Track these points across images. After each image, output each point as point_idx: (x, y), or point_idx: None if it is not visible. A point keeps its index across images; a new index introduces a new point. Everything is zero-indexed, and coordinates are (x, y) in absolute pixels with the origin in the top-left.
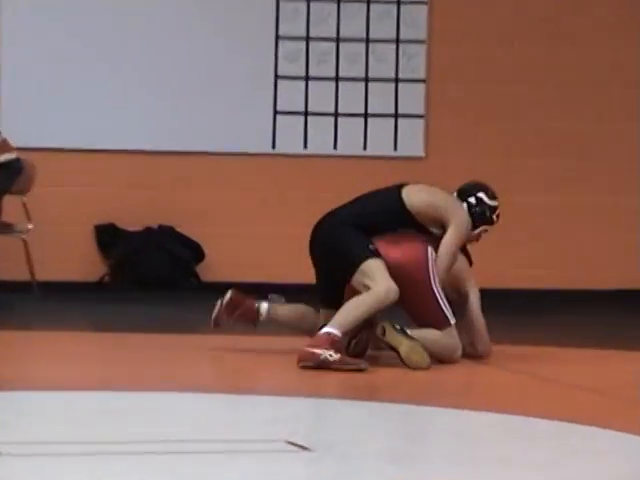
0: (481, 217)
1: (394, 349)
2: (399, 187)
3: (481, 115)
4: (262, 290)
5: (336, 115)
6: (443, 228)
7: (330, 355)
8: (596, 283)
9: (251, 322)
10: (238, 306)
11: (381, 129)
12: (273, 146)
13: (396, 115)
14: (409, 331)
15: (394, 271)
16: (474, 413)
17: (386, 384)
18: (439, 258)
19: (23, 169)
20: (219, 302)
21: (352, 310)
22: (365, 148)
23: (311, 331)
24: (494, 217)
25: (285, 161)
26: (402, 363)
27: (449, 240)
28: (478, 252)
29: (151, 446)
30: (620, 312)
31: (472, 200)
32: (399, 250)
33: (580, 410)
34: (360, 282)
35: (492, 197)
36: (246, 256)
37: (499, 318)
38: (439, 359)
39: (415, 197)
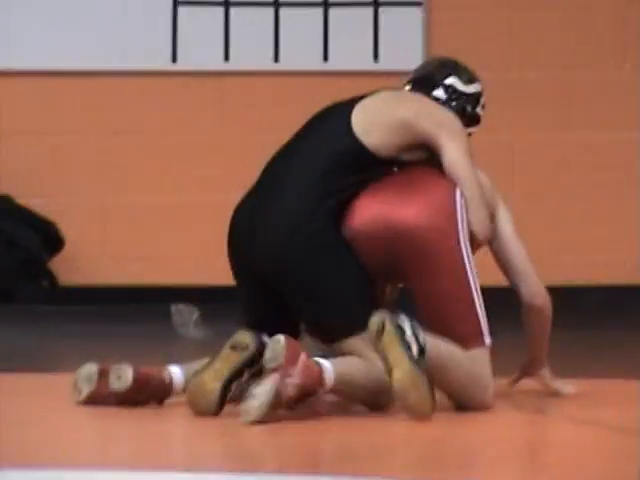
0: (467, 114)
1: (385, 363)
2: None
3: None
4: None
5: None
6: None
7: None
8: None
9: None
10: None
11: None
12: (174, 60)
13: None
14: (422, 341)
15: (401, 240)
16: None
17: (367, 451)
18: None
19: None
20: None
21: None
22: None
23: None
24: (479, 110)
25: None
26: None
27: (456, 157)
28: None
29: None
30: None
31: (439, 93)
32: (412, 205)
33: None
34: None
35: (469, 80)
36: (134, 246)
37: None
38: (459, 398)
39: (372, 133)
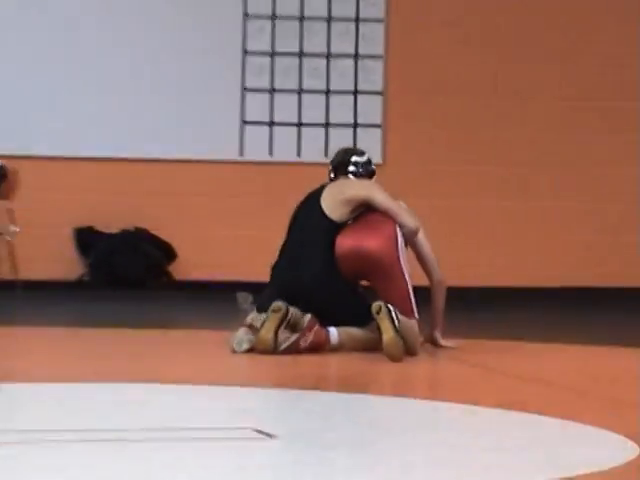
0: (370, 173)
1: (379, 329)
2: (318, 207)
3: (435, 124)
4: (229, 288)
5: (299, 125)
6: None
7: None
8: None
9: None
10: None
11: (341, 138)
12: (241, 154)
13: (355, 125)
14: (396, 322)
15: (368, 260)
16: (432, 403)
17: (351, 376)
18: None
19: (7, 175)
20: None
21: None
22: (326, 155)
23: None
24: (374, 167)
25: (252, 168)
26: (379, 347)
27: (386, 204)
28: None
29: (122, 434)
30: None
31: (352, 168)
32: (372, 237)
33: (529, 401)
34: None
35: (361, 153)
36: (214, 256)
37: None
38: (410, 348)
39: (336, 210)
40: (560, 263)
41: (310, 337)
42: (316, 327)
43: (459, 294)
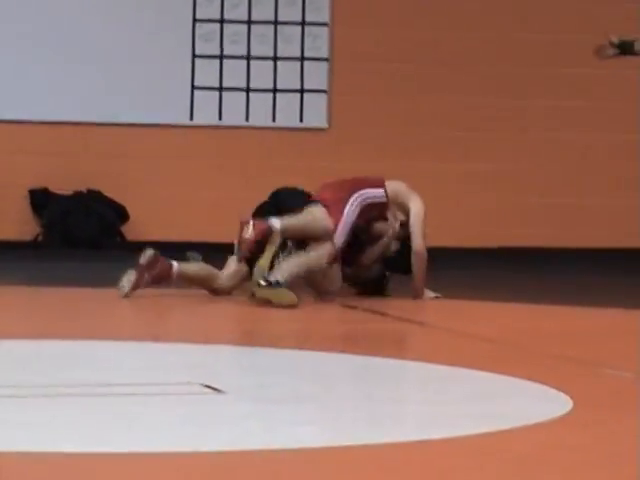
0: None
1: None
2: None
3: (378, 90)
4: (181, 248)
5: (248, 90)
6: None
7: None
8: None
9: (165, 280)
10: (155, 265)
11: (288, 103)
12: (191, 118)
13: (302, 90)
14: (272, 277)
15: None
16: (375, 359)
17: (299, 332)
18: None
19: None
20: (138, 264)
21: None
22: (274, 120)
23: (215, 290)
24: None
25: (202, 132)
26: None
27: (413, 220)
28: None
29: (73, 389)
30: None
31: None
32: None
33: (468, 357)
34: None
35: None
36: (166, 217)
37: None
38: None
39: None
40: (503, 223)
41: (252, 233)
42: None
43: None
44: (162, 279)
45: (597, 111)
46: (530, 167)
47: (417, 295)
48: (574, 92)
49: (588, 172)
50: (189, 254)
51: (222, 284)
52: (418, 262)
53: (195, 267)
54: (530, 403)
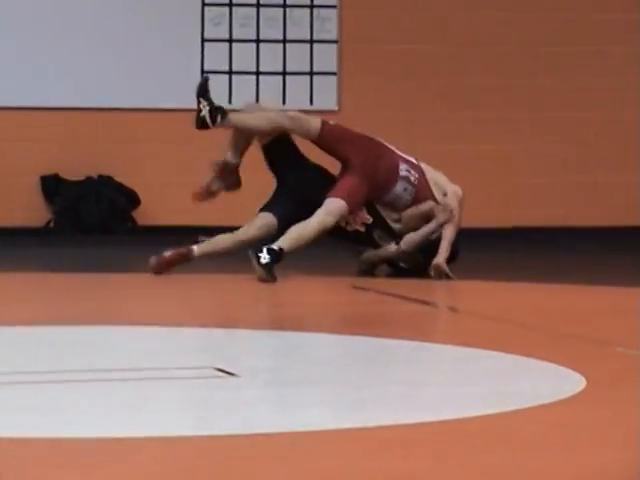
0: None
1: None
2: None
3: (388, 72)
4: (192, 232)
5: (257, 74)
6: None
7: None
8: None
9: (185, 258)
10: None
11: (298, 86)
12: None
13: (311, 73)
14: (262, 256)
15: None
16: (388, 340)
17: (307, 315)
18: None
19: None
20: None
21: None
22: (284, 103)
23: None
24: None
25: None
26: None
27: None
28: None
29: (85, 375)
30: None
31: None
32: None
33: (481, 337)
34: None
35: None
36: (177, 202)
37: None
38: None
39: None
40: (516, 204)
41: None
42: None
43: None
44: (181, 256)
45: (610, 90)
46: (542, 146)
47: (438, 266)
48: (586, 71)
49: (602, 150)
50: (200, 239)
51: (250, 234)
52: (449, 227)
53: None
54: (543, 383)
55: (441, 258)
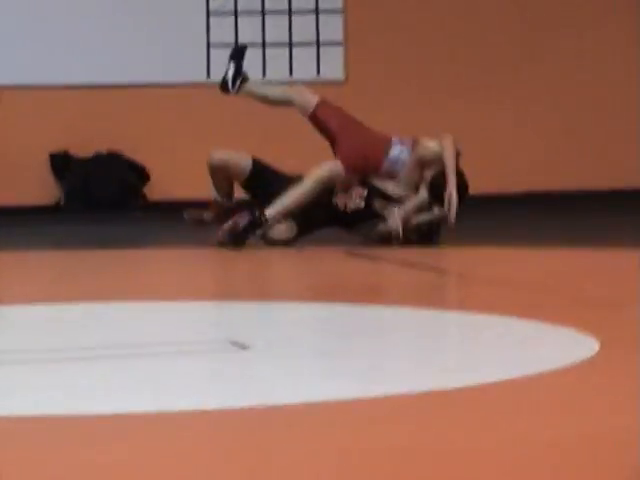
0: None
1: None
2: None
3: (395, 41)
4: (203, 206)
5: (264, 45)
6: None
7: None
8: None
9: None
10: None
11: (304, 56)
12: (208, 76)
13: (317, 43)
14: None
15: None
16: (402, 309)
17: (320, 285)
18: None
19: None
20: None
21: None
22: (291, 74)
23: None
24: None
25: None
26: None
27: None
28: None
29: (98, 351)
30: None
31: None
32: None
33: (495, 303)
34: None
35: None
36: (187, 176)
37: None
38: None
39: None
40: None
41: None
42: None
43: None
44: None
45: (611, 53)
46: (554, 110)
47: (450, 195)
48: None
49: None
50: (186, 215)
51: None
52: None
53: None
54: (557, 347)
55: (452, 186)
